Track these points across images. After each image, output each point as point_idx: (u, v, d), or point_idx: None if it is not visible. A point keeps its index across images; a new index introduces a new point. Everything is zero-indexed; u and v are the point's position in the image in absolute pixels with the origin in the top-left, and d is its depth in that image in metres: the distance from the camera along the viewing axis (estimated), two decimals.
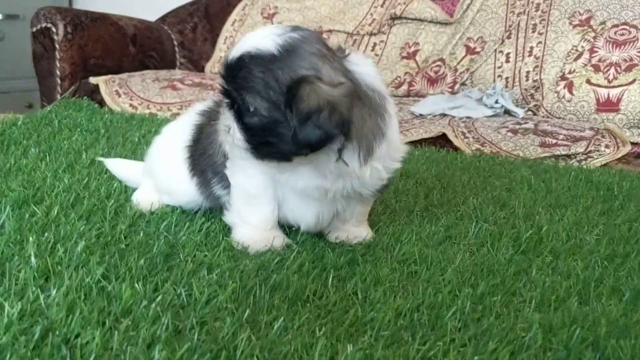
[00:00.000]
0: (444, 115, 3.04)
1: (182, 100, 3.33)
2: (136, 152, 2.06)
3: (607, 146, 2.61)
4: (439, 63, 3.58)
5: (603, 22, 3.25)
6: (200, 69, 4.14)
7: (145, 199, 1.57)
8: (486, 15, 3.56)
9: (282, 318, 1.01)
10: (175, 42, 4.18)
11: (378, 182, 1.34)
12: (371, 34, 3.78)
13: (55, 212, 1.39)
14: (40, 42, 3.52)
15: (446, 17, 3.63)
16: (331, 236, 1.44)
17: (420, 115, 3.05)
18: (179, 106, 3.29)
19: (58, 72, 3.50)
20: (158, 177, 1.58)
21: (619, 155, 2.59)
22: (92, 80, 3.51)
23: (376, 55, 3.74)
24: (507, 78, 3.37)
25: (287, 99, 1.14)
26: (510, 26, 3.46)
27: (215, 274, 1.17)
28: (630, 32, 3.18)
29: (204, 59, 4.14)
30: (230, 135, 1.23)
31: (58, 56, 3.47)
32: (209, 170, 1.46)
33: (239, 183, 1.36)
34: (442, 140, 2.75)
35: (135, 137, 2.27)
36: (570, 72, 3.21)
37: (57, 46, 3.48)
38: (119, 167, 1.71)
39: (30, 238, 1.23)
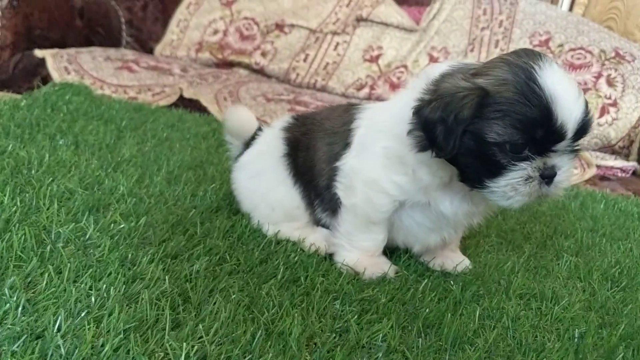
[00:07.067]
0: None
1: (141, 84, 3.09)
2: (173, 149, 1.91)
3: (574, 167, 2.75)
4: (402, 69, 3.59)
5: (561, 45, 3.42)
6: (147, 50, 3.85)
7: (315, 238, 1.39)
8: (451, 26, 3.62)
9: None
10: (123, 20, 3.86)
11: None
12: (334, 33, 3.71)
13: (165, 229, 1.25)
14: None
15: (412, 24, 3.65)
16: (434, 263, 1.39)
17: None
18: (137, 90, 3.04)
19: None
20: (266, 198, 1.43)
21: (587, 177, 2.76)
22: (38, 53, 3.17)
23: (338, 55, 3.67)
24: None
25: None
26: (473, 39, 3.55)
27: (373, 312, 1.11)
28: (585, 57, 3.36)
29: (153, 40, 3.85)
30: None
31: (0, 23, 3.12)
32: (312, 191, 1.39)
33: (359, 206, 1.27)
34: None
35: (159, 129, 2.12)
36: None
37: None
38: None
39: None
